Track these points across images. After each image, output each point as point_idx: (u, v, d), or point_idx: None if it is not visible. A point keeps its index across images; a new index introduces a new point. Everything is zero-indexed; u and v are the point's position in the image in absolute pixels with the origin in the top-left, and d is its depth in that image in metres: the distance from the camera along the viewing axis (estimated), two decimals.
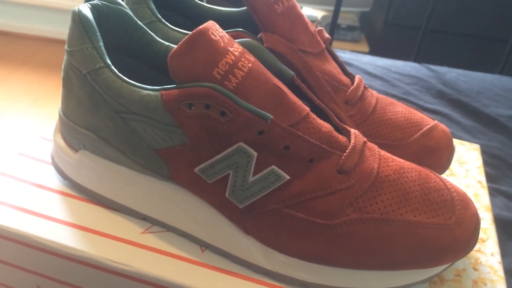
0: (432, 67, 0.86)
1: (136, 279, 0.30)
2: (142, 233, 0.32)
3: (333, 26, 0.97)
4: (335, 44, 1.38)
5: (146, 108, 0.29)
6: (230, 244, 0.31)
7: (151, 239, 0.32)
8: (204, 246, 0.32)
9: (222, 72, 0.27)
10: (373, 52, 1.43)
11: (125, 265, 0.30)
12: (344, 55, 0.88)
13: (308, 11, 1.64)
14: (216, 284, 0.29)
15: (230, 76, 0.28)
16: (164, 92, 0.28)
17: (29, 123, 1.36)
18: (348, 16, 1.58)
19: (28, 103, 1.45)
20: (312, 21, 1.57)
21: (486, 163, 0.61)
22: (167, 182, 0.31)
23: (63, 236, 0.31)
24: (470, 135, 0.67)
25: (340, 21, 1.45)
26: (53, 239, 0.31)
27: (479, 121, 0.71)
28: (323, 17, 1.53)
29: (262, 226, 0.29)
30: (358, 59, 0.86)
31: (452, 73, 0.84)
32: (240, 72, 0.28)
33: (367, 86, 0.39)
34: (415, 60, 0.92)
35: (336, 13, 0.95)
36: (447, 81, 0.81)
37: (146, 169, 0.31)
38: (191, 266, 0.30)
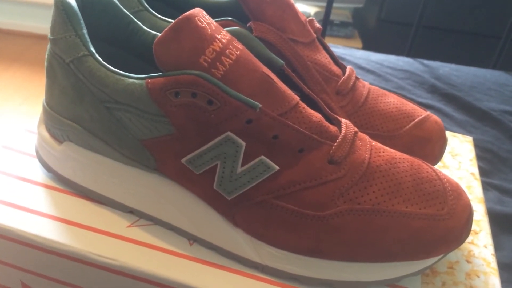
0: (425, 61, 0.86)
1: (122, 273, 0.29)
2: (129, 226, 0.31)
3: (326, 22, 0.96)
4: (328, 40, 1.37)
5: (131, 97, 0.28)
6: (218, 237, 0.30)
7: (137, 233, 0.31)
8: (192, 239, 0.31)
9: (209, 60, 0.27)
10: (366, 48, 1.43)
11: (111, 259, 0.29)
12: (337, 49, 0.88)
13: (301, 7, 1.63)
14: (204, 278, 0.29)
15: (218, 63, 0.27)
16: (149, 80, 0.27)
17: (20, 121, 1.35)
18: (341, 12, 1.58)
19: (19, 101, 1.43)
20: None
21: (479, 157, 0.60)
22: (154, 173, 0.30)
23: (48, 230, 0.30)
24: (463, 129, 0.67)
25: (333, 17, 1.45)
26: (37, 233, 0.30)
27: (472, 116, 0.71)
28: (316, 13, 1.52)
29: (251, 218, 0.29)
30: (351, 53, 0.86)
31: (445, 68, 0.84)
32: (228, 59, 0.27)
33: (358, 77, 0.38)
34: (408, 56, 0.91)
35: (328, 8, 0.94)
36: (440, 75, 0.81)
37: (132, 160, 0.30)
38: (178, 260, 0.30)
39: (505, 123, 0.70)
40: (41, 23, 1.79)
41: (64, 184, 0.34)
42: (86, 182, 0.32)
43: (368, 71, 0.79)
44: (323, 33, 0.97)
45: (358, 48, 1.32)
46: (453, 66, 0.86)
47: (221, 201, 0.29)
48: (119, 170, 0.31)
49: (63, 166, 0.33)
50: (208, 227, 0.30)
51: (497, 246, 0.45)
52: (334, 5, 1.12)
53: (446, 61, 0.89)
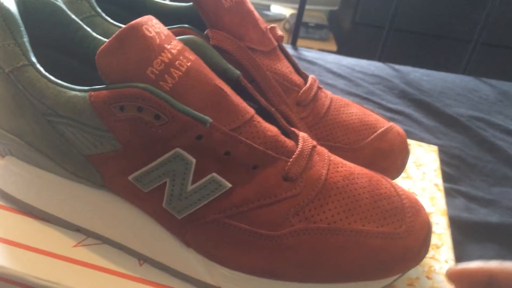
0: (396, 66, 0.86)
1: None
2: (74, 246, 0.30)
3: (298, 24, 0.95)
4: (302, 42, 1.37)
5: (74, 111, 0.26)
6: (169, 257, 0.28)
7: (84, 253, 0.29)
8: (142, 259, 0.29)
9: (157, 72, 0.25)
10: (341, 51, 1.43)
11: (53, 283, 0.27)
12: (309, 53, 0.87)
13: (276, 9, 1.62)
14: None
15: (166, 76, 0.25)
16: (92, 93, 0.26)
17: None
18: (317, 14, 1.58)
19: None
20: (280, 20, 1.56)
21: (446, 164, 0.60)
22: (101, 190, 0.29)
23: None
24: (431, 135, 0.67)
25: (308, 19, 1.45)
26: None
27: (440, 121, 0.71)
28: (291, 15, 1.52)
29: (203, 237, 0.27)
30: (323, 58, 0.85)
31: (415, 73, 0.84)
32: (177, 71, 0.26)
33: (321, 86, 0.37)
34: (379, 60, 0.91)
35: (300, 10, 0.93)
36: (411, 80, 0.81)
37: (78, 176, 0.29)
38: (127, 282, 0.28)
39: (473, 129, 0.70)
40: None
41: (6, 200, 0.31)
42: (29, 199, 0.30)
43: (339, 75, 0.79)
44: (295, 36, 0.97)
45: (332, 51, 1.32)
46: (423, 71, 0.86)
47: (171, 220, 0.27)
48: (64, 186, 0.29)
49: (5, 182, 0.31)
50: (159, 247, 0.29)
51: (463, 255, 0.45)
52: (309, 7, 1.11)
53: (418, 65, 0.90)
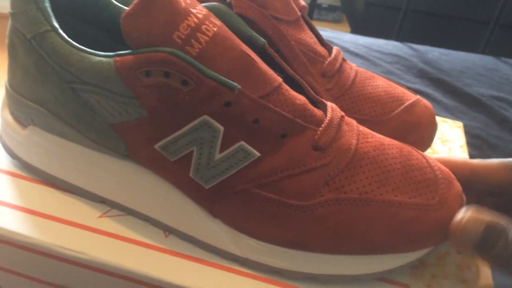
0: (414, 46, 0.84)
1: (92, 268, 0.27)
2: (100, 217, 0.29)
3: (312, 5, 0.94)
4: (315, 24, 1.34)
5: (98, 77, 0.25)
6: (195, 228, 0.28)
7: (109, 224, 0.29)
8: (168, 230, 0.29)
9: (183, 36, 0.24)
10: (355, 32, 1.40)
11: (79, 253, 0.27)
12: (325, 33, 0.85)
13: None
14: (181, 272, 0.27)
15: (193, 40, 0.25)
16: (118, 58, 0.25)
17: None
18: None
19: None
20: None
21: (468, 143, 0.59)
22: (125, 160, 0.28)
23: (11, 221, 0.28)
24: (451, 115, 0.65)
25: (321, 0, 1.42)
26: (0, 225, 0.28)
27: (461, 101, 0.70)
28: None
29: (230, 208, 0.27)
30: (339, 37, 0.83)
31: (434, 52, 0.83)
32: (203, 36, 0.25)
33: (345, 59, 0.36)
34: (396, 40, 0.89)
35: None
36: (429, 60, 0.79)
37: (101, 146, 0.28)
38: (153, 253, 0.28)
39: (494, 109, 0.68)
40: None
41: (30, 171, 0.31)
42: (53, 170, 0.30)
43: (356, 55, 0.77)
44: (309, 17, 0.95)
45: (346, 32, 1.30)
46: (442, 50, 0.84)
47: (198, 190, 0.27)
48: (87, 156, 0.29)
49: (28, 152, 0.31)
50: (185, 218, 0.28)
51: None
52: None
53: (435, 46, 0.88)
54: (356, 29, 1.46)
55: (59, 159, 0.30)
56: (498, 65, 0.82)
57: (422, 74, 0.74)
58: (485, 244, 0.25)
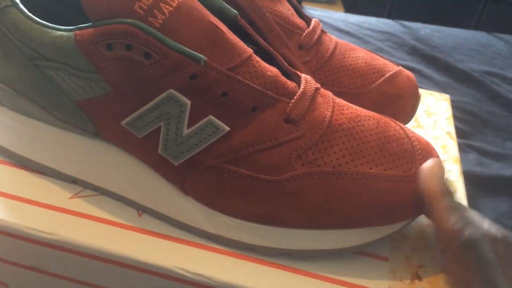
0: (406, 23, 0.83)
1: (64, 249, 0.27)
2: (71, 198, 0.29)
3: None
4: (308, 5, 1.32)
5: (60, 52, 0.25)
6: (168, 206, 0.27)
7: (81, 204, 0.28)
8: (141, 209, 0.28)
9: (146, 7, 0.23)
10: (348, 12, 1.38)
11: (50, 234, 0.26)
12: (315, 12, 0.84)
13: None
14: (155, 251, 0.26)
15: (156, 11, 0.24)
16: (78, 32, 0.24)
17: None
18: None
19: None
20: None
21: (459, 119, 0.58)
22: (95, 139, 0.27)
23: None
24: (443, 91, 0.64)
25: None
26: None
27: (452, 77, 0.69)
28: None
29: (201, 185, 0.26)
30: (329, 16, 0.82)
31: (426, 29, 0.81)
32: (167, 7, 0.24)
33: (325, 30, 0.35)
34: (388, 17, 0.88)
35: None
36: (421, 37, 0.78)
37: (70, 125, 0.27)
38: (126, 232, 0.27)
39: (486, 84, 0.67)
40: None
41: None
42: (22, 150, 0.29)
43: (347, 33, 0.76)
44: None
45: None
46: (434, 27, 0.83)
47: (168, 167, 0.26)
48: (56, 136, 0.28)
49: None
50: (157, 196, 0.27)
51: (476, 208, 0.43)
52: None
53: (427, 23, 0.86)
54: (350, 10, 1.44)
55: (28, 140, 0.29)
56: (491, 41, 0.81)
57: (413, 51, 0.73)
58: (446, 185, 0.25)
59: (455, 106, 0.59)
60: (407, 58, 0.72)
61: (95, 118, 0.26)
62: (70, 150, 0.28)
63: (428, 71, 0.69)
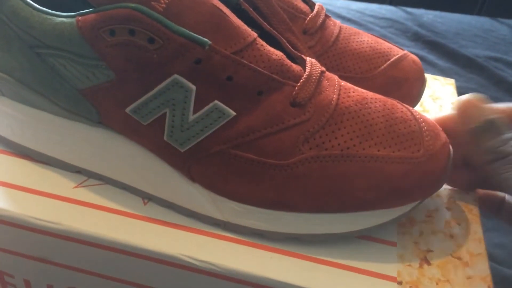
0: (408, 9, 0.82)
1: (69, 238, 0.27)
2: (75, 187, 0.28)
3: None
4: None
5: (61, 39, 0.24)
6: (174, 193, 0.27)
7: (85, 194, 0.28)
8: (147, 198, 0.28)
9: None
10: None
11: (54, 223, 0.26)
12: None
13: None
14: (161, 239, 0.26)
15: None
16: (80, 18, 0.24)
17: None
18: None
19: None
20: None
21: None
22: (98, 127, 0.27)
23: None
24: (447, 77, 0.64)
25: None
26: None
27: (456, 63, 0.68)
28: None
29: (208, 171, 0.26)
30: (331, 3, 0.81)
31: (429, 15, 0.80)
32: None
33: (329, 15, 0.35)
34: (390, 3, 0.87)
35: None
36: (424, 23, 0.77)
37: (73, 113, 0.27)
38: (131, 221, 0.27)
39: (490, 70, 0.67)
40: None
41: (2, 144, 0.30)
42: (26, 141, 0.29)
43: (349, 20, 0.75)
44: None
45: None
46: (437, 13, 0.82)
47: (174, 154, 0.26)
48: (60, 125, 0.28)
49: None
50: (163, 184, 0.27)
51: None
52: None
53: (430, 8, 0.85)
54: None
55: (31, 130, 0.29)
56: (494, 26, 0.80)
57: (416, 37, 0.73)
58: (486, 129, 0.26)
59: (459, 92, 0.59)
60: (410, 44, 0.71)
61: (99, 106, 0.26)
62: (74, 139, 0.28)
63: (432, 57, 0.68)
